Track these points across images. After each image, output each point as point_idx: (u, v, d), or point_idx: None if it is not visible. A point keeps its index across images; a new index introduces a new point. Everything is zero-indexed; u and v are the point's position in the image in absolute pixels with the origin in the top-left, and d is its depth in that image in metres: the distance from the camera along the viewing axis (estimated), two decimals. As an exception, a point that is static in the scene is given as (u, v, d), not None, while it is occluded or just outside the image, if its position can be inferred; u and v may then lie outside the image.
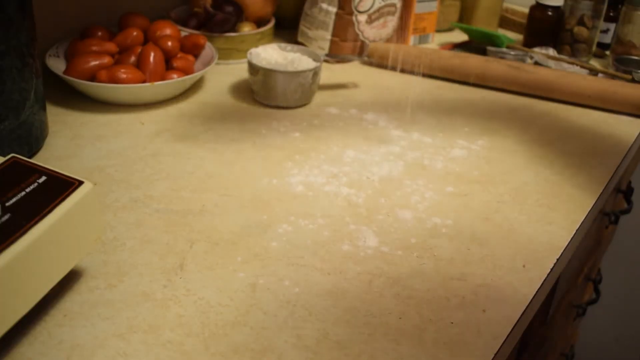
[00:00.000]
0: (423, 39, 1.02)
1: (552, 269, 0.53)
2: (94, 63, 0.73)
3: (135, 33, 0.78)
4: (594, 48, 1.00)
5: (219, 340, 0.43)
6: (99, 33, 0.79)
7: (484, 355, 0.44)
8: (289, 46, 0.82)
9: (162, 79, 0.75)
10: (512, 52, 0.94)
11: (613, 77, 0.88)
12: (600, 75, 0.89)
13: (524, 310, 0.48)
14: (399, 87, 0.86)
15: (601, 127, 0.79)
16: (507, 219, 0.59)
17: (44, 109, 0.64)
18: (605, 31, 1.02)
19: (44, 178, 0.44)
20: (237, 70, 0.87)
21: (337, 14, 0.90)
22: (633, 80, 0.86)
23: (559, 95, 0.84)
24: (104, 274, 0.49)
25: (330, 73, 0.88)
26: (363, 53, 0.93)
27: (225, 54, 0.88)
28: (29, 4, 0.58)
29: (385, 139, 0.72)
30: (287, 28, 1.00)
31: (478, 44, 1.01)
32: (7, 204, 0.41)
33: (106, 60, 0.73)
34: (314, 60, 0.80)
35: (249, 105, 0.78)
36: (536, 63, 0.93)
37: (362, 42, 0.93)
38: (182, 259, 0.51)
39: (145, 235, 0.53)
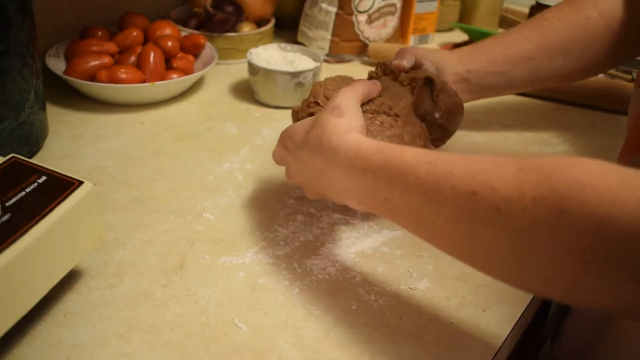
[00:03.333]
0: (423, 39, 1.02)
1: (552, 269, 0.53)
2: (94, 63, 0.73)
3: (135, 33, 0.78)
4: (594, 48, 1.00)
5: (219, 340, 0.43)
6: (99, 33, 0.79)
7: (484, 355, 0.44)
8: (289, 46, 0.82)
9: (162, 79, 0.75)
10: (512, 52, 0.94)
11: (613, 77, 0.88)
12: (600, 75, 0.89)
13: (524, 310, 0.48)
14: (399, 87, 0.86)
15: (600, 127, 0.79)
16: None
17: (44, 109, 0.64)
18: (605, 31, 1.02)
19: (44, 178, 0.44)
20: (237, 70, 0.87)
21: (337, 14, 0.90)
22: (633, 80, 0.86)
23: (559, 95, 0.84)
24: (104, 274, 0.49)
25: (330, 73, 0.88)
26: (363, 53, 0.93)
27: (225, 54, 0.88)
28: (29, 4, 0.58)
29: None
30: (287, 28, 1.00)
31: (478, 44, 1.00)
32: (7, 204, 0.41)
33: (106, 60, 0.74)
34: (314, 60, 0.80)
35: (249, 105, 0.78)
36: (536, 63, 0.93)
37: (362, 42, 0.93)
38: (182, 259, 0.51)
39: (145, 235, 0.53)
